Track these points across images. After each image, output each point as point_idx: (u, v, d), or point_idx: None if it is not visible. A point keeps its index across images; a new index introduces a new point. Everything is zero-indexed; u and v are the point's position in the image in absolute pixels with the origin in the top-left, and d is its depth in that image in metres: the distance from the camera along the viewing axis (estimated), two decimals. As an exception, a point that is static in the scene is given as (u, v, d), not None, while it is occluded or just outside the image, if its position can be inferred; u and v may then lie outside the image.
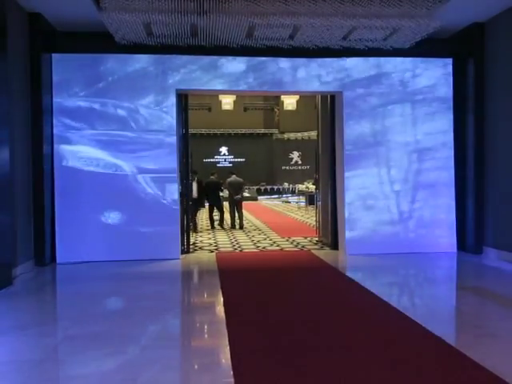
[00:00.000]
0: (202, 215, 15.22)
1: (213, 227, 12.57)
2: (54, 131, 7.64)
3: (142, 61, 7.82)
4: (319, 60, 8.05)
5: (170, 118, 7.87)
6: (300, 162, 29.51)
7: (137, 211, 7.77)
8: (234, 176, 12.89)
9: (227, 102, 23.09)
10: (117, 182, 7.75)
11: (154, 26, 6.83)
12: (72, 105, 7.67)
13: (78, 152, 7.69)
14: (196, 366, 3.59)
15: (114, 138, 7.77)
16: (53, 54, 7.61)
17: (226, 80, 8.06)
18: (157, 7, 6.28)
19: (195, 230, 11.53)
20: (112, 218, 7.72)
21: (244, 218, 13.13)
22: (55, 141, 7.65)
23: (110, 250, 7.67)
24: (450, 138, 8.30)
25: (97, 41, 7.56)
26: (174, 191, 7.94)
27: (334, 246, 8.65)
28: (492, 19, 7.66)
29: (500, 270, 6.84)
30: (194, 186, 11.59)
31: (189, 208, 8.98)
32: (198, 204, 12.38)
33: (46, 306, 5.50)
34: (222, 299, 5.35)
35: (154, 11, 6.33)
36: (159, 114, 7.85)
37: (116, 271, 7.01)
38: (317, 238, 9.85)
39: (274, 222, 13.83)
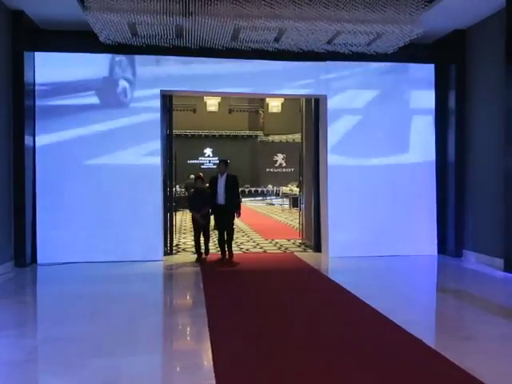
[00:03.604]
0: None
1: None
2: (36, 130, 7.55)
3: (126, 61, 7.79)
4: (304, 63, 8.10)
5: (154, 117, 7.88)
6: (284, 165, 29.59)
7: (119, 212, 7.72)
8: None
9: (212, 103, 23.08)
10: (99, 183, 7.69)
11: (139, 27, 6.80)
12: (55, 104, 7.60)
13: (61, 152, 7.62)
14: (178, 368, 3.58)
15: (96, 137, 7.72)
16: (36, 53, 7.53)
17: (211, 81, 8.06)
18: (142, 8, 6.25)
19: (206, 251, 8.17)
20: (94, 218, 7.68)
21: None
22: (37, 140, 7.56)
23: (91, 251, 7.60)
24: (431, 143, 8.42)
25: (81, 40, 7.50)
26: (157, 192, 7.92)
27: (317, 248, 8.69)
28: (473, 27, 7.80)
29: (479, 273, 6.95)
30: (222, 183, 7.88)
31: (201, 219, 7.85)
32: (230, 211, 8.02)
33: (25, 308, 5.42)
34: (204, 301, 5.34)
35: (138, 12, 6.31)
36: (144, 113, 7.83)
37: (97, 272, 6.94)
38: (300, 240, 9.89)
39: (257, 224, 13.84)
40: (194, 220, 8.12)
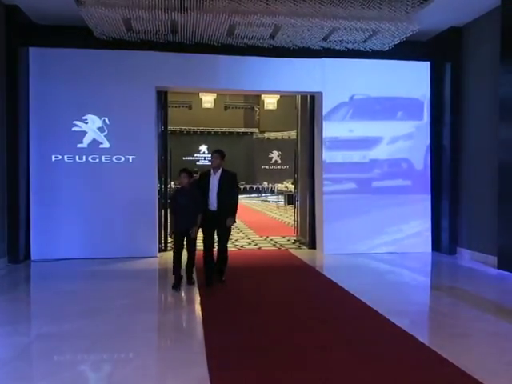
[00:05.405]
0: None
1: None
2: (30, 126, 7.50)
3: (121, 56, 7.74)
4: (299, 60, 8.07)
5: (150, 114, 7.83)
6: (280, 162, 29.55)
7: (114, 208, 7.68)
8: None
9: (208, 100, 23.06)
10: (93, 179, 7.64)
11: (134, 22, 6.77)
12: (49, 99, 7.54)
13: (55, 148, 7.57)
14: (173, 366, 3.57)
15: (91, 134, 7.66)
16: (30, 48, 7.47)
17: (206, 77, 8.02)
18: (137, 3, 6.22)
19: (188, 279, 5.94)
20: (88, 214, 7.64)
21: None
22: (31, 136, 7.50)
23: (85, 247, 7.58)
24: (426, 140, 8.43)
25: (76, 35, 7.45)
26: (152, 188, 7.88)
27: (312, 245, 8.70)
28: (468, 24, 7.81)
29: (473, 271, 6.97)
30: (215, 182, 5.86)
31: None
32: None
33: (18, 304, 5.38)
34: (198, 298, 5.33)
35: (133, 7, 6.27)
36: (139, 110, 7.78)
37: (91, 269, 6.92)
38: (295, 237, 9.90)
39: (252, 221, 13.82)
40: (175, 231, 5.92)
